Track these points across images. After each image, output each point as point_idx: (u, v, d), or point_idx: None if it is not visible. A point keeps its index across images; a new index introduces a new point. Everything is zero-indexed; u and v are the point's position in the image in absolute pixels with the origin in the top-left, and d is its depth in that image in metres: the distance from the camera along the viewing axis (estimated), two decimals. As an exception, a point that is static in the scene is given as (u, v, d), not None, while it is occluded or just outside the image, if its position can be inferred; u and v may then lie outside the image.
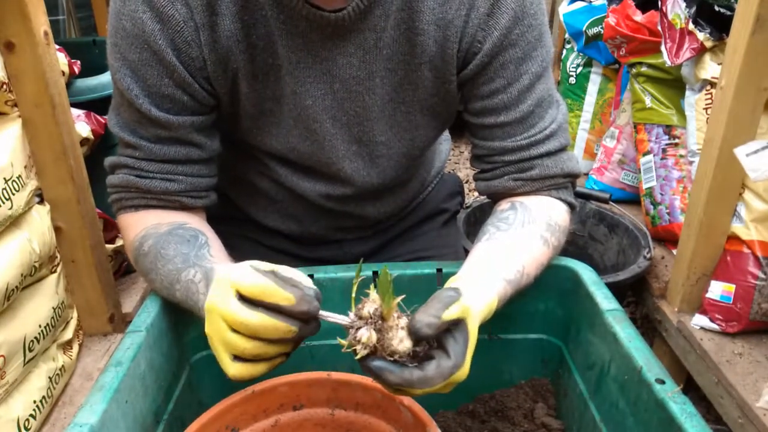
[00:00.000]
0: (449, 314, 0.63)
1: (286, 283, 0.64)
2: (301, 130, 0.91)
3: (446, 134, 1.22)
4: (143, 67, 0.81)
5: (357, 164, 0.96)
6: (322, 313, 0.66)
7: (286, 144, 0.93)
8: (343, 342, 0.64)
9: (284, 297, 0.62)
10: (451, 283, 0.74)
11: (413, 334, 0.62)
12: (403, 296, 0.64)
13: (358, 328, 0.63)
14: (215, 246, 0.84)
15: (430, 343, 0.65)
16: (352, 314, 0.65)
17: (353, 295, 0.66)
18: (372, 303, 0.64)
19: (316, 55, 0.85)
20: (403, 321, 0.64)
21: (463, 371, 0.64)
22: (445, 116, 0.96)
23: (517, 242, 0.84)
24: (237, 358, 0.66)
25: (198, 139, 0.88)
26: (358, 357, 0.63)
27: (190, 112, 0.86)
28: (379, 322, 0.63)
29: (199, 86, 0.85)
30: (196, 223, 0.89)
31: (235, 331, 0.64)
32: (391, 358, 0.62)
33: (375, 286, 0.65)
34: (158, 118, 0.84)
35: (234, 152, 1.00)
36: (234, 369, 0.66)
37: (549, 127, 0.90)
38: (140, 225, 0.88)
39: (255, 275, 0.63)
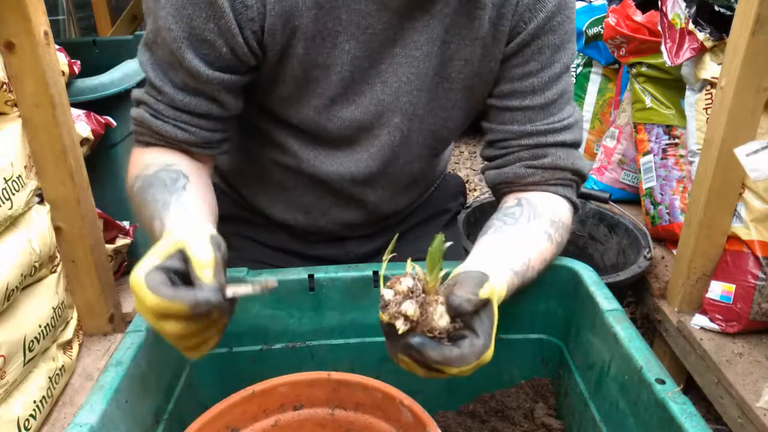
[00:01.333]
0: (483, 292, 0.64)
1: (179, 289, 0.62)
2: (350, 95, 0.89)
3: None
4: (190, 6, 0.77)
5: (394, 137, 0.94)
6: (232, 290, 0.66)
7: (326, 113, 0.90)
8: (384, 317, 0.63)
9: (177, 309, 0.61)
10: (461, 269, 0.74)
11: (453, 309, 0.63)
12: (447, 270, 0.64)
13: (400, 303, 0.62)
14: (190, 190, 0.81)
15: (461, 322, 0.65)
16: (385, 290, 0.64)
17: (382, 273, 0.66)
18: (408, 278, 0.63)
19: (386, 20, 0.84)
20: (440, 297, 0.63)
21: (490, 352, 0.65)
22: (478, 99, 0.96)
23: (523, 236, 0.84)
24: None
25: (224, 98, 0.85)
26: (400, 332, 0.62)
27: (224, 66, 0.83)
28: (422, 296, 0.62)
29: (243, 40, 0.81)
30: (184, 164, 0.86)
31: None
32: (431, 335, 0.62)
33: (413, 261, 0.66)
34: (191, 66, 0.81)
35: (250, 136, 0.98)
36: (188, 354, 0.68)
37: (567, 119, 0.92)
38: (138, 164, 0.87)
39: (146, 293, 0.61)
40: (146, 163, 0.86)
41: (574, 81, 2.47)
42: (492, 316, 0.66)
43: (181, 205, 0.77)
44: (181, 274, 0.65)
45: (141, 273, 0.63)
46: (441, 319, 0.63)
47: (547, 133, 0.91)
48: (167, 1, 0.78)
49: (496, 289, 0.68)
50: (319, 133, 0.94)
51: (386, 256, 0.66)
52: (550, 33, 0.88)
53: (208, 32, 0.79)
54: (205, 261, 0.65)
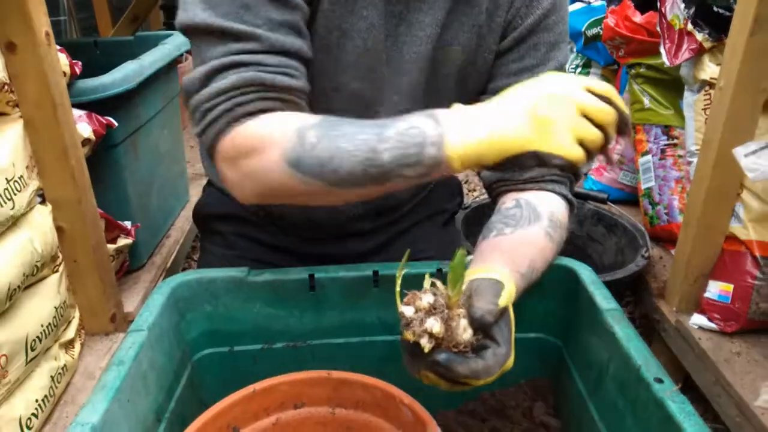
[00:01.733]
0: (502, 301, 0.65)
1: None
2: (359, 67, 0.89)
3: None
4: None
5: (389, 117, 0.94)
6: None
7: (333, 83, 0.89)
8: (408, 335, 0.61)
9: (623, 104, 0.67)
10: (472, 275, 0.73)
11: (476, 322, 0.62)
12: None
13: (423, 320, 0.61)
14: None
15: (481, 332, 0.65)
16: (405, 307, 0.63)
17: (398, 288, 0.64)
18: (429, 294, 0.63)
19: None
20: (461, 311, 0.63)
21: (512, 359, 0.66)
22: (469, 91, 0.96)
23: (526, 238, 0.85)
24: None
25: (305, 31, 0.81)
26: (426, 350, 0.61)
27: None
28: (445, 311, 0.62)
29: None
30: None
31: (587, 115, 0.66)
32: (456, 350, 0.62)
33: (431, 276, 0.65)
34: None
35: None
36: (578, 152, 0.66)
37: None
38: (281, 126, 0.74)
39: (599, 82, 0.68)
40: (293, 119, 0.75)
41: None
42: (509, 323, 0.67)
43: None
44: None
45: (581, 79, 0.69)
46: (465, 333, 0.62)
47: None
48: None
49: (512, 294, 0.69)
50: (318, 105, 0.89)
51: (400, 272, 0.65)
52: (546, 31, 0.90)
53: None
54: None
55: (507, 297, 0.66)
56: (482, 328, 0.64)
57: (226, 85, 0.74)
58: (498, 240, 0.84)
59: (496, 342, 0.64)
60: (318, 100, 0.90)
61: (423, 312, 0.62)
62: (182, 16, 0.77)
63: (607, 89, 0.68)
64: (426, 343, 0.60)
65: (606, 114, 0.66)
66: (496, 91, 0.92)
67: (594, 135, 0.66)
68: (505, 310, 0.67)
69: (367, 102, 0.93)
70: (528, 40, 0.90)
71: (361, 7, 0.85)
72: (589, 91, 0.67)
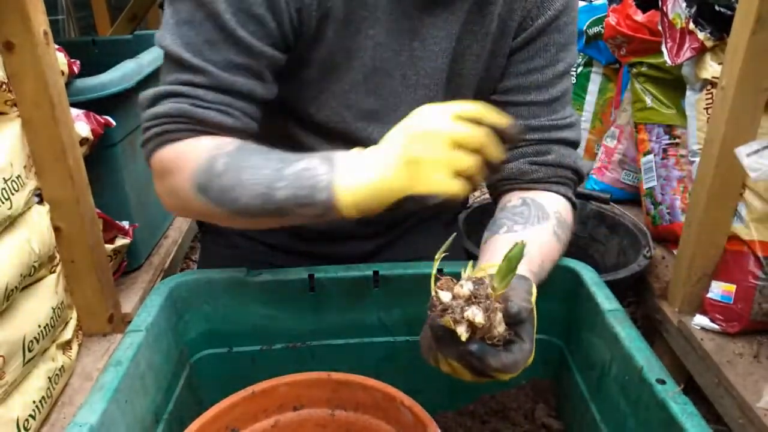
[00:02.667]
0: (534, 298, 0.66)
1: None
2: (370, 84, 0.89)
3: None
4: None
5: None
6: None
7: (344, 101, 0.90)
8: (444, 321, 0.60)
9: (499, 118, 0.66)
10: (490, 269, 0.72)
11: (513, 316, 0.62)
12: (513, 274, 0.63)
13: (463, 307, 0.60)
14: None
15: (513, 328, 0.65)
16: (442, 292, 0.62)
17: (434, 272, 0.65)
18: (469, 282, 0.62)
19: (405, 10, 0.85)
20: (500, 304, 0.62)
21: (532, 355, 0.66)
22: (483, 96, 0.96)
23: (536, 237, 0.84)
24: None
25: (267, 76, 0.83)
26: (462, 338, 0.60)
27: (271, 42, 0.81)
28: (487, 302, 0.61)
29: (288, 17, 0.80)
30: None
31: (459, 144, 0.65)
32: (489, 342, 0.61)
33: (473, 264, 0.66)
34: (242, 38, 0.78)
35: (271, 121, 0.97)
36: (456, 185, 0.66)
37: (569, 118, 0.93)
38: (197, 151, 0.78)
39: (473, 105, 0.67)
40: (213, 144, 0.78)
41: (575, 81, 2.47)
42: (533, 320, 0.67)
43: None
44: None
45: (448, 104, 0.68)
46: (500, 326, 0.61)
47: (551, 129, 0.92)
48: None
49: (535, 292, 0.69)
50: (335, 125, 0.92)
51: (439, 255, 0.65)
52: (556, 32, 0.90)
53: (257, 6, 0.77)
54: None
55: (535, 294, 0.67)
56: (516, 324, 0.64)
57: (161, 111, 0.79)
58: (510, 237, 0.84)
59: (521, 338, 0.65)
60: (333, 120, 0.92)
61: (463, 300, 0.61)
62: (157, 35, 0.82)
63: (475, 111, 0.67)
64: (463, 332, 0.59)
65: (476, 138, 0.66)
66: (505, 91, 0.93)
67: (468, 164, 0.66)
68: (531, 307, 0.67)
69: (382, 118, 0.92)
70: (538, 40, 0.90)
71: (367, 27, 0.84)
72: (459, 117, 0.66)
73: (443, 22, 0.87)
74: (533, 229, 0.85)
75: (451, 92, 0.93)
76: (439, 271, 0.90)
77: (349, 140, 0.94)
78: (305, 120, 0.93)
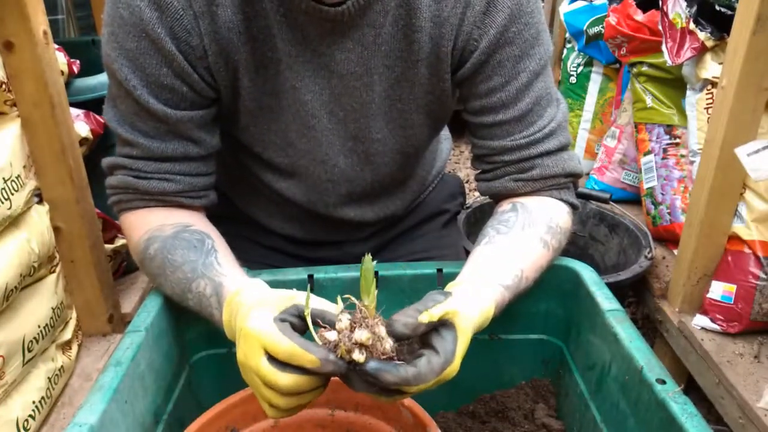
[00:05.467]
0: (430, 315, 0.64)
1: (309, 343, 0.62)
2: (299, 126, 0.90)
3: (447, 133, 1.22)
4: (141, 56, 0.80)
5: (352, 160, 0.95)
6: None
7: (284, 140, 0.92)
8: (344, 352, 0.61)
9: (309, 360, 0.61)
10: (449, 288, 0.74)
11: (391, 333, 0.62)
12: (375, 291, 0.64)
13: (350, 336, 0.61)
14: (222, 250, 0.83)
15: (420, 342, 0.66)
16: (327, 332, 0.63)
17: (308, 313, 0.65)
18: (344, 314, 0.63)
19: (315, 50, 0.84)
20: (380, 319, 0.63)
21: (453, 367, 0.65)
22: (439, 115, 0.95)
23: (517, 246, 0.84)
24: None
25: (197, 135, 0.87)
26: (361, 361, 0.61)
27: (189, 104, 0.84)
28: (367, 320, 0.62)
29: (198, 77, 0.83)
30: (201, 224, 0.88)
31: (268, 386, 0.64)
32: (384, 357, 0.62)
33: (341, 298, 0.65)
34: (156, 110, 0.82)
35: (235, 153, 0.99)
36: (273, 413, 0.66)
37: (548, 126, 0.89)
38: (143, 226, 0.86)
39: (280, 337, 0.62)
40: (156, 224, 0.85)
41: (575, 81, 2.47)
42: (454, 334, 0.65)
43: (230, 265, 0.81)
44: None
45: (266, 320, 0.64)
46: (386, 341, 0.62)
47: (529, 145, 0.89)
48: (119, 54, 0.80)
49: (461, 309, 0.67)
50: (283, 164, 0.95)
51: (307, 302, 0.65)
52: (507, 45, 0.85)
53: (163, 77, 0.81)
54: (330, 308, 0.67)
55: (442, 312, 0.65)
56: (403, 339, 0.64)
57: (113, 182, 0.89)
58: (487, 249, 0.84)
59: (434, 350, 0.64)
60: (279, 157, 0.95)
61: (347, 330, 0.62)
62: (103, 110, 0.89)
63: (285, 349, 0.61)
64: (359, 356, 0.61)
65: (283, 386, 0.62)
66: (473, 111, 0.91)
67: (280, 402, 0.64)
68: (447, 322, 0.66)
69: (322, 156, 0.94)
70: (490, 60, 0.86)
71: (280, 71, 0.85)
72: (273, 354, 0.62)
73: (358, 57, 0.85)
74: (515, 237, 0.84)
75: (396, 119, 0.92)
76: (439, 271, 0.90)
77: (300, 176, 0.96)
78: (257, 158, 0.96)
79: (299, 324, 0.65)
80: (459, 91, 0.92)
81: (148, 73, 0.80)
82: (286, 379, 0.62)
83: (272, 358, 0.62)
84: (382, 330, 0.62)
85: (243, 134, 0.93)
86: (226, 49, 0.82)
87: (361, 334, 0.61)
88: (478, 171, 0.96)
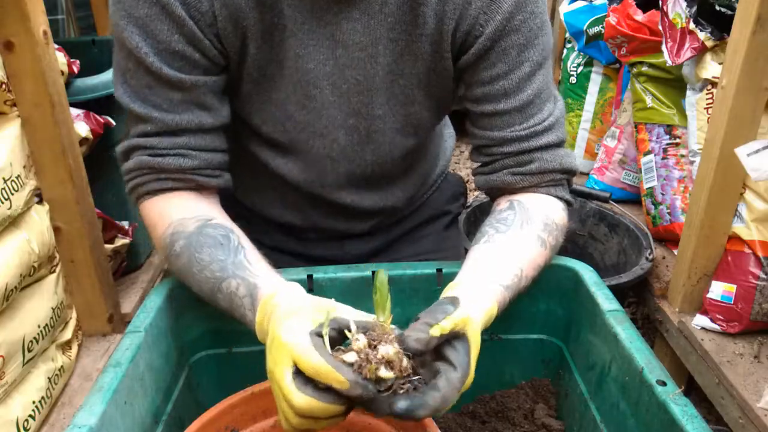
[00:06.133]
0: (441, 328, 0.63)
1: (341, 364, 0.61)
2: (300, 96, 0.90)
3: (450, 130, 1.22)
4: (152, 23, 0.79)
5: (352, 138, 0.94)
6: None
7: (284, 113, 0.91)
8: (372, 370, 0.59)
9: (338, 380, 0.59)
10: (449, 291, 0.74)
11: (408, 351, 0.61)
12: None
13: (371, 355, 0.60)
14: (248, 247, 0.82)
15: (433, 354, 0.65)
16: (345, 355, 0.61)
17: (326, 333, 0.63)
18: (359, 334, 0.62)
19: (321, 18, 0.84)
20: (395, 336, 0.62)
21: (470, 378, 0.65)
22: (439, 95, 0.95)
23: (515, 245, 0.84)
24: None
25: (210, 102, 0.86)
26: (390, 379, 0.59)
27: (202, 71, 0.84)
28: (385, 336, 0.61)
29: (209, 43, 0.82)
30: (221, 217, 0.86)
31: (286, 401, 0.63)
32: (405, 375, 0.61)
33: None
34: (170, 77, 0.81)
35: (235, 133, 0.98)
36: (286, 426, 0.65)
37: (547, 120, 0.90)
38: (165, 219, 0.85)
39: (312, 353, 0.60)
40: (177, 217, 0.84)
41: (575, 81, 2.47)
42: (467, 344, 0.65)
43: (261, 264, 0.80)
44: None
45: (300, 332, 0.62)
46: (404, 358, 0.61)
47: (529, 137, 0.89)
48: (129, 22, 0.79)
49: (472, 316, 0.67)
50: (280, 139, 0.95)
51: (326, 328, 0.63)
52: (513, 33, 0.85)
53: (174, 43, 0.80)
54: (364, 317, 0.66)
55: (451, 324, 0.64)
56: (414, 354, 0.63)
57: (129, 166, 0.87)
58: (486, 248, 0.83)
59: (451, 365, 0.64)
60: (277, 131, 0.94)
61: (367, 348, 0.60)
62: (114, 89, 0.87)
63: (314, 367, 0.60)
64: (387, 373, 0.59)
65: (299, 408, 0.61)
66: (474, 99, 0.90)
67: (295, 422, 0.63)
68: (459, 332, 0.65)
69: (320, 130, 0.93)
70: (495, 47, 0.86)
71: (286, 38, 0.85)
72: (299, 367, 0.61)
73: (364, 27, 0.85)
74: (514, 236, 0.84)
75: (398, 95, 0.92)
76: (439, 271, 0.90)
77: (298, 152, 0.96)
78: (255, 133, 0.96)
79: (337, 337, 0.64)
80: (462, 78, 0.92)
81: (159, 40, 0.80)
82: (302, 401, 0.61)
83: (300, 373, 0.62)
84: (397, 348, 0.61)
85: (244, 105, 0.92)
86: (235, 14, 0.82)
87: (387, 350, 0.59)
88: (477, 165, 0.96)
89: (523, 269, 0.81)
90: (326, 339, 0.63)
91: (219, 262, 0.79)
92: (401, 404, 0.60)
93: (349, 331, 0.63)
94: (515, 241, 0.84)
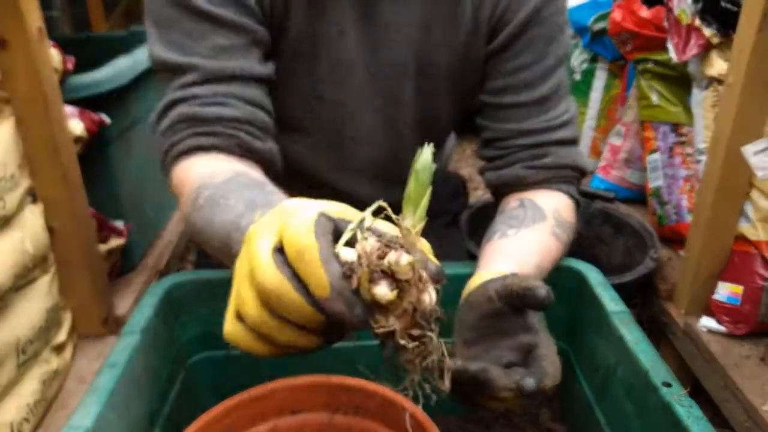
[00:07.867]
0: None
1: (334, 258, 0.45)
2: (335, 75, 0.88)
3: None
4: None
5: (377, 121, 0.93)
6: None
7: (313, 91, 0.89)
8: (363, 285, 0.42)
9: (318, 278, 0.44)
10: (479, 279, 0.72)
11: (435, 276, 0.47)
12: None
13: (375, 262, 0.42)
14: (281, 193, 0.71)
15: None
16: (344, 249, 0.44)
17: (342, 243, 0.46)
18: (369, 233, 0.46)
19: None
20: (425, 258, 0.46)
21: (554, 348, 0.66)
22: (465, 89, 0.94)
23: (532, 239, 0.82)
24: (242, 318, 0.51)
25: (255, 53, 0.82)
26: (388, 300, 0.42)
27: (253, 17, 0.81)
28: (406, 247, 0.43)
29: (258, 7, 0.81)
30: (258, 174, 0.77)
31: (251, 279, 0.49)
32: (416, 322, 0.45)
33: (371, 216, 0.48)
34: (221, 16, 0.78)
35: None
36: (230, 327, 0.52)
37: (564, 116, 0.90)
38: (193, 176, 0.75)
39: (309, 231, 0.46)
40: (208, 171, 0.74)
41: (580, 78, 2.46)
42: (543, 323, 0.66)
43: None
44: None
45: (311, 206, 0.48)
46: (429, 288, 0.46)
47: (545, 131, 0.89)
48: None
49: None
50: (303, 122, 0.92)
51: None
52: (540, 25, 0.87)
53: None
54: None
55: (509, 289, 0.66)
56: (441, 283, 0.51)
57: (165, 126, 0.80)
58: (502, 242, 0.82)
59: (538, 347, 0.65)
60: (304, 109, 0.92)
61: (375, 253, 0.44)
62: (148, 51, 0.83)
63: (299, 245, 0.45)
64: (383, 292, 0.42)
65: (266, 287, 0.46)
66: (494, 91, 0.91)
67: (251, 312, 0.48)
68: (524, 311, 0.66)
69: (351, 111, 0.92)
70: (522, 36, 0.87)
71: (330, 11, 0.84)
72: (285, 242, 0.47)
73: (402, 7, 0.84)
74: (528, 231, 0.83)
75: (422, 85, 0.91)
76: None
77: (316, 135, 0.94)
78: (279, 116, 0.91)
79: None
80: (485, 69, 0.92)
81: None
82: (272, 277, 0.46)
83: (282, 253, 0.47)
84: (423, 272, 0.44)
85: (275, 82, 0.88)
86: None
87: (398, 257, 0.42)
88: (486, 161, 0.95)
89: (542, 261, 0.80)
90: (344, 237, 0.46)
91: (246, 200, 0.65)
92: (529, 381, 0.58)
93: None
94: (531, 235, 0.83)
